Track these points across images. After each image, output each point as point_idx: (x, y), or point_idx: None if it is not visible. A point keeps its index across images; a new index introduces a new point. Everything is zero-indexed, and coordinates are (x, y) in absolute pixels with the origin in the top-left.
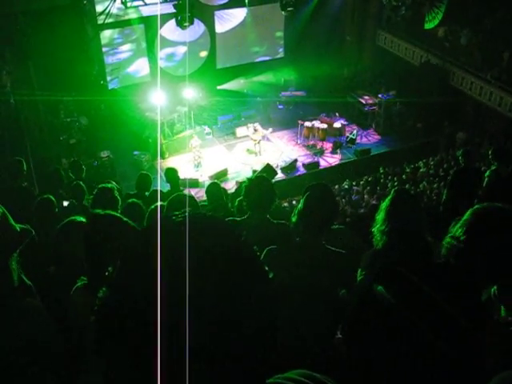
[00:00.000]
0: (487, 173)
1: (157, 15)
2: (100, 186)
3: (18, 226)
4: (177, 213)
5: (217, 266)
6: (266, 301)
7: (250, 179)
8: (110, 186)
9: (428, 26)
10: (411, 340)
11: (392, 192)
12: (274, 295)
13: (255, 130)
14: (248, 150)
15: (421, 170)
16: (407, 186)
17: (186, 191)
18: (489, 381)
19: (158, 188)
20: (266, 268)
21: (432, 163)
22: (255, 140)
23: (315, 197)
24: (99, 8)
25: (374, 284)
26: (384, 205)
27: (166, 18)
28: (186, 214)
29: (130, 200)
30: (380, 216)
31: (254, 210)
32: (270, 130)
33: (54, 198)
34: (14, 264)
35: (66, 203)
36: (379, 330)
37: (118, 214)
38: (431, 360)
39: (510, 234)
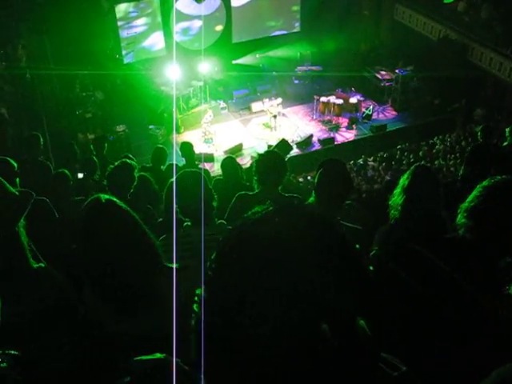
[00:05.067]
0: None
1: None
2: (123, 160)
3: (16, 191)
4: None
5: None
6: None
7: (260, 154)
8: (131, 162)
9: (447, 0)
10: (425, 313)
11: (412, 167)
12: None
13: (275, 105)
14: (264, 124)
15: (437, 146)
16: (423, 163)
17: (201, 166)
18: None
19: (174, 162)
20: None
21: (449, 140)
22: (271, 113)
23: (329, 172)
24: None
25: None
26: (402, 179)
27: None
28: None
29: (138, 174)
30: (398, 190)
31: (265, 185)
32: (284, 109)
33: (68, 172)
34: (22, 229)
35: (80, 175)
36: (393, 303)
37: (122, 204)
38: (446, 332)
39: None
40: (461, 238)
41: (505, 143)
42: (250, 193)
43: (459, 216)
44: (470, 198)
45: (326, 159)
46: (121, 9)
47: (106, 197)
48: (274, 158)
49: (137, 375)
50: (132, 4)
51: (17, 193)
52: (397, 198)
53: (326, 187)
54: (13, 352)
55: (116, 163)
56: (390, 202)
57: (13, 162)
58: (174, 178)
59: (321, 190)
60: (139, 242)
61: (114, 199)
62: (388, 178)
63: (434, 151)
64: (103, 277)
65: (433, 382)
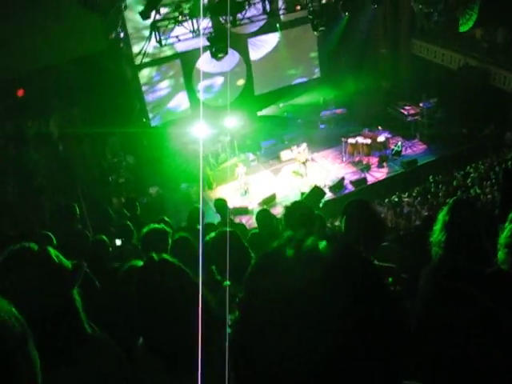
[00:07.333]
0: None
1: (191, 50)
2: (151, 226)
3: (69, 263)
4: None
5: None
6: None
7: (286, 207)
8: (162, 227)
9: (463, 28)
10: (471, 352)
11: (450, 202)
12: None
13: (302, 151)
14: (294, 172)
15: (471, 174)
16: (459, 193)
17: (237, 220)
18: None
19: (200, 218)
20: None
21: (482, 167)
22: (300, 161)
23: (353, 215)
24: (136, 49)
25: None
26: (441, 215)
27: (200, 51)
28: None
29: (178, 235)
30: (438, 226)
31: None
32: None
33: (106, 238)
34: (78, 297)
35: (118, 242)
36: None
37: (175, 261)
38: (490, 372)
39: None
40: (504, 272)
41: None
42: None
43: (499, 252)
44: (505, 232)
45: (348, 201)
46: (144, 74)
47: (159, 255)
48: (300, 209)
49: None
50: (154, 68)
51: (70, 265)
52: (438, 234)
53: (352, 229)
54: None
55: (150, 227)
56: (431, 240)
57: (52, 236)
58: (201, 238)
59: (348, 235)
60: (194, 297)
61: (167, 257)
62: (425, 212)
63: (469, 180)
64: (160, 334)
65: None
